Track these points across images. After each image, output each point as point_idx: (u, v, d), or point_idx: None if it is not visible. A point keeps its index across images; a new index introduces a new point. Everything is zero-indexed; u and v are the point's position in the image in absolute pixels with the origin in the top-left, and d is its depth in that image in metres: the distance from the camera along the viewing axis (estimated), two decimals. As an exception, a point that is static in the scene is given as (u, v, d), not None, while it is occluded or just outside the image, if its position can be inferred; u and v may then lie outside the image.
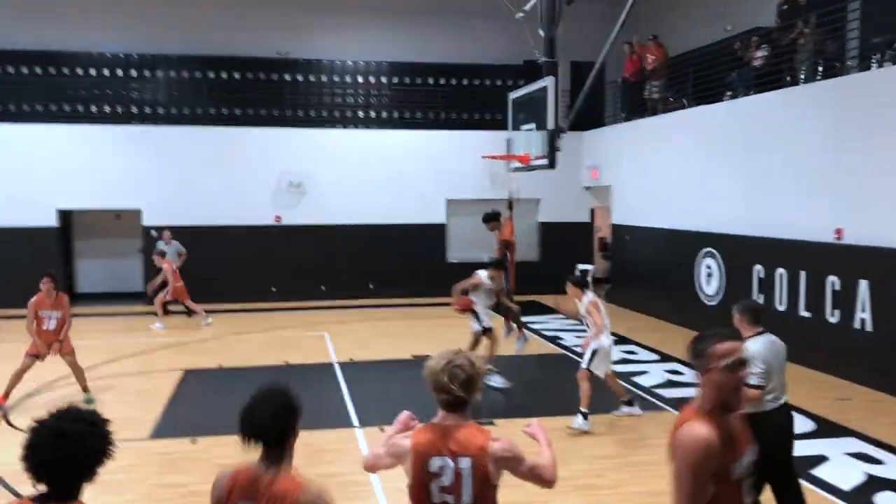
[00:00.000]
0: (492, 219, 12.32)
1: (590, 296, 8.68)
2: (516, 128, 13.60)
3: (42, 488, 2.51)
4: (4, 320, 14.86)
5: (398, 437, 3.33)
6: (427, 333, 13.93)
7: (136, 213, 17.76)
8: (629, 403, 8.88)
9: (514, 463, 3.21)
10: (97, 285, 18.74)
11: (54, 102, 18.07)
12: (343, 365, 11.60)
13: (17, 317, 14.58)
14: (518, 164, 13.41)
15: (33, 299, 9.79)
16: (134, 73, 18.71)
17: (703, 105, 14.44)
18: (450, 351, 3.27)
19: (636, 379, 10.66)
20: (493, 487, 3.20)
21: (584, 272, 16.96)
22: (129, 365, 11.78)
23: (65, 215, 17.85)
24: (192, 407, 9.58)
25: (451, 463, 3.14)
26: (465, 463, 3.13)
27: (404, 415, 3.57)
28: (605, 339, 8.48)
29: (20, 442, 2.53)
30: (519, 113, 13.56)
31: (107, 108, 18.37)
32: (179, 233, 16.74)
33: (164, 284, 15.28)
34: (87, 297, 18.38)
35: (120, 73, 18.59)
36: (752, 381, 5.02)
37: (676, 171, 15.11)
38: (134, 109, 18.63)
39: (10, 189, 16.80)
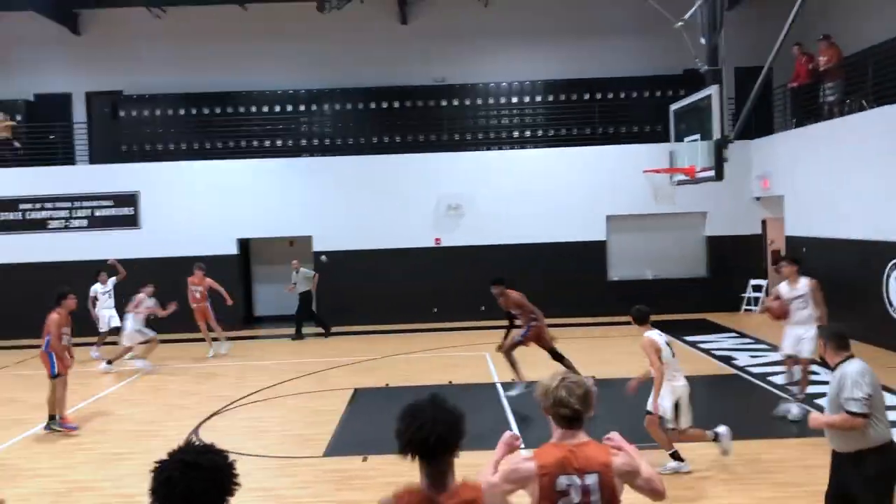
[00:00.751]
0: (499, 283, 10.94)
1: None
2: (679, 139, 13.16)
3: None
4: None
5: (518, 462, 3.29)
6: (588, 353, 13.65)
7: (307, 240, 18.72)
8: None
9: (633, 476, 3.25)
10: (272, 308, 19.86)
11: (233, 139, 19.48)
12: (506, 385, 11.59)
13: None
14: (682, 177, 12.94)
15: (55, 318, 9.73)
16: (303, 107, 19.86)
17: (887, 105, 13.32)
18: (559, 371, 3.38)
19: (822, 401, 9.91)
20: (619, 502, 3.24)
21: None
22: (302, 384, 12.34)
23: (243, 243, 19.10)
24: (362, 425, 9.88)
25: (578, 480, 3.18)
26: (591, 479, 3.18)
27: (508, 435, 3.53)
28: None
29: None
30: (681, 124, 13.12)
31: (279, 143, 19.58)
32: (347, 256, 17.48)
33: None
34: (263, 319, 19.55)
35: (290, 108, 19.79)
36: (855, 408, 4.73)
37: (858, 177, 13.99)
38: (304, 142, 19.75)
39: (197, 220, 18.21)
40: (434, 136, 19.45)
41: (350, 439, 9.16)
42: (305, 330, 17.27)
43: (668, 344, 7.47)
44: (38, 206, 18.26)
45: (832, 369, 5.02)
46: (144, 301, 14.13)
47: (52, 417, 9.84)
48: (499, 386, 11.66)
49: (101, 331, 15.37)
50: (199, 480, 2.52)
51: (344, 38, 19.67)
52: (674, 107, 13.49)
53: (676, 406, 7.31)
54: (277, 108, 19.81)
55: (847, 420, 4.76)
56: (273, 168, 18.65)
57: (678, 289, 18.06)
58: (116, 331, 14.95)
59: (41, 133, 19.30)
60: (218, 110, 19.70)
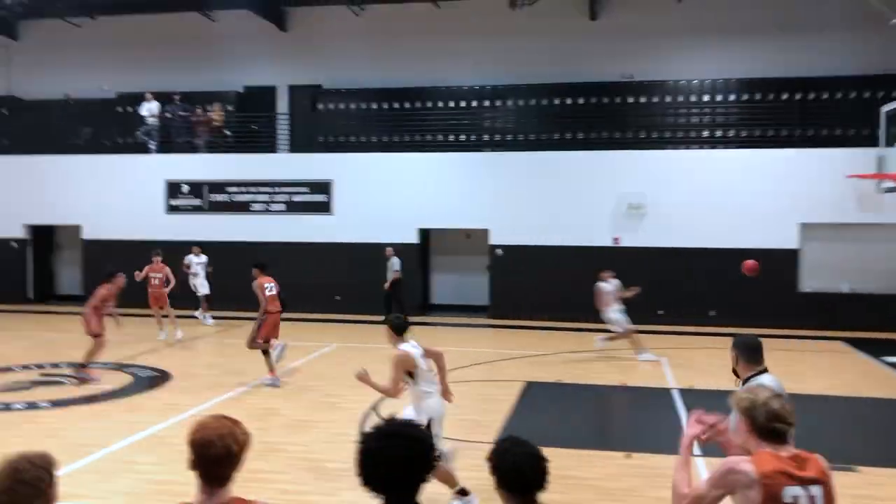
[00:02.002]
0: None
1: None
2: (889, 144, 12.16)
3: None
4: (366, 324, 16.78)
5: (736, 463, 3.14)
6: (772, 367, 12.92)
7: (484, 233, 19.05)
8: None
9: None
10: (448, 297, 20.41)
11: (419, 133, 20.18)
12: (683, 392, 11.25)
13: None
14: (892, 184, 11.95)
15: (103, 291, 11.82)
16: (487, 103, 20.21)
17: None
18: (759, 384, 3.29)
19: None
20: None
21: None
22: (474, 372, 12.61)
23: (424, 233, 19.75)
24: (535, 417, 9.97)
25: (804, 492, 3.06)
26: (816, 491, 3.07)
27: (696, 414, 3.52)
28: None
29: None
30: (893, 127, 12.11)
31: (462, 137, 20.05)
32: (522, 251, 17.67)
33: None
34: (440, 308, 20.13)
35: (475, 103, 20.21)
36: None
37: None
38: (486, 137, 20.10)
39: (383, 208, 19.05)
40: (618, 134, 19.13)
41: (522, 429, 9.26)
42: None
43: (422, 357, 6.92)
44: (243, 189, 19.83)
45: (743, 383, 4.48)
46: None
47: (81, 365, 11.65)
48: (674, 392, 11.33)
49: (199, 295, 17.78)
50: (401, 449, 2.65)
51: (532, 34, 19.80)
52: (886, 109, 12.48)
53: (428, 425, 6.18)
54: (463, 104, 20.29)
55: None
56: (455, 161, 19.14)
57: (879, 305, 16.69)
58: (205, 297, 17.85)
59: (248, 123, 20.94)
60: (408, 105, 20.50)
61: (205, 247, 18.76)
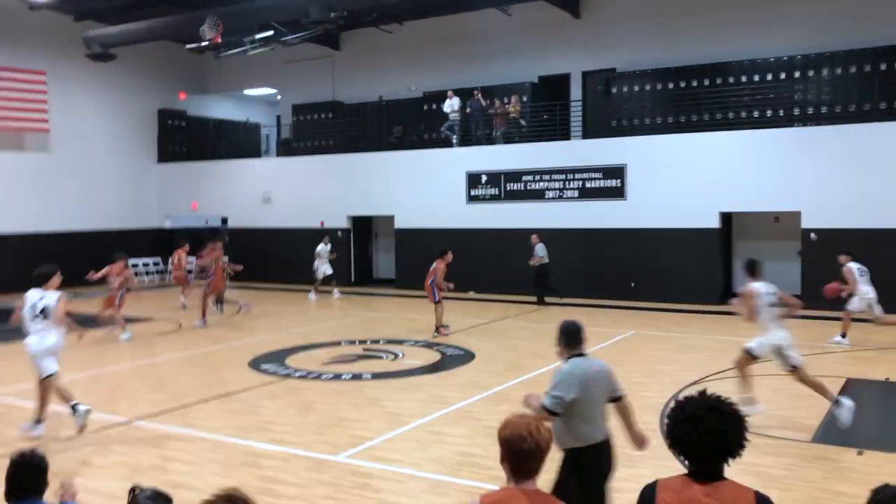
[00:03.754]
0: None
1: None
2: None
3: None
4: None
5: None
6: None
7: (794, 216, 17.54)
8: None
9: None
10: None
11: (720, 111, 19.11)
12: None
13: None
14: None
15: (442, 266, 14.53)
16: (797, 74, 18.54)
17: None
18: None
19: None
20: None
21: None
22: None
23: (726, 218, 18.67)
24: (857, 417, 8.99)
25: None
26: None
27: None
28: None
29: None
30: None
31: (769, 113, 18.61)
32: (840, 235, 15.92)
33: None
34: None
35: (783, 76, 18.64)
36: (545, 402, 4.76)
37: None
38: (796, 111, 18.46)
39: (679, 192, 18.35)
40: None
41: (841, 429, 8.42)
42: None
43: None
44: (537, 177, 20.28)
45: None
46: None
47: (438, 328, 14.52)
48: None
49: (317, 278, 20.48)
50: (719, 422, 2.70)
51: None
52: None
53: None
54: (769, 77, 18.82)
55: (541, 410, 4.75)
56: (761, 139, 17.80)
57: None
58: (328, 279, 20.64)
59: (543, 112, 21.35)
60: (707, 82, 19.49)
61: (502, 234, 19.64)
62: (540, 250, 18.48)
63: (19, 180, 22.26)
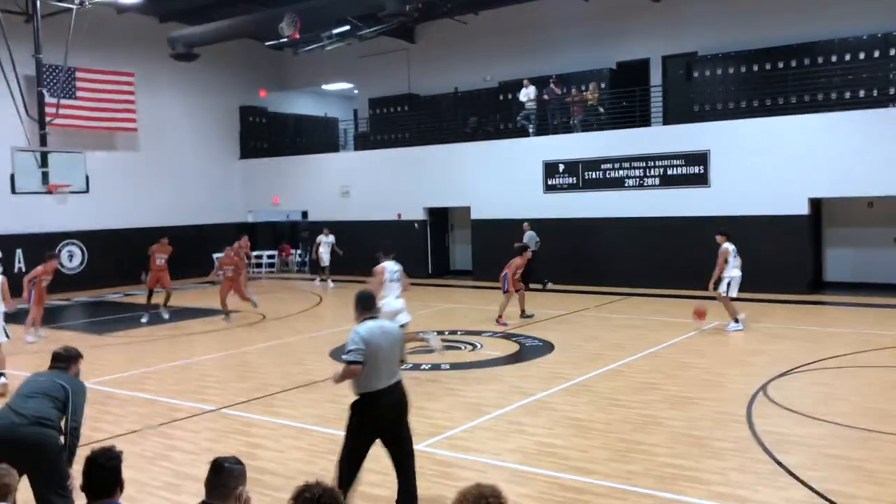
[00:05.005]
0: None
1: None
2: None
3: None
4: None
5: None
6: None
7: (890, 201, 16.72)
8: None
9: None
10: (845, 274, 18.35)
11: (808, 93, 18.36)
12: None
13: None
14: None
15: (519, 261, 15.04)
16: (893, 51, 17.64)
17: None
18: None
19: None
20: None
21: None
22: (881, 357, 11.16)
23: (815, 203, 17.96)
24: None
25: None
26: None
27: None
28: None
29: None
30: None
31: (861, 93, 17.78)
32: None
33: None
34: (834, 286, 18.19)
35: (876, 53, 17.78)
36: (351, 357, 5.52)
37: None
38: (891, 90, 17.58)
39: (765, 178, 17.72)
40: None
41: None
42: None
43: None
44: (616, 165, 19.92)
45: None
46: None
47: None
48: None
49: (322, 266, 22.21)
50: None
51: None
52: None
53: None
54: (862, 56, 17.98)
55: (345, 368, 5.54)
56: (853, 121, 16.99)
57: None
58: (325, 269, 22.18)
59: (621, 98, 20.94)
60: (794, 63, 18.76)
61: (580, 223, 19.40)
62: (528, 238, 18.81)
63: (111, 178, 23.17)
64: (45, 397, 5.20)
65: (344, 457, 5.69)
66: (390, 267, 10.95)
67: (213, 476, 3.54)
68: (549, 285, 19.48)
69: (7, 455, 4.44)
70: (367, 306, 5.89)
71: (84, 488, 3.74)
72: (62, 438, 5.19)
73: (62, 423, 5.22)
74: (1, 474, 3.91)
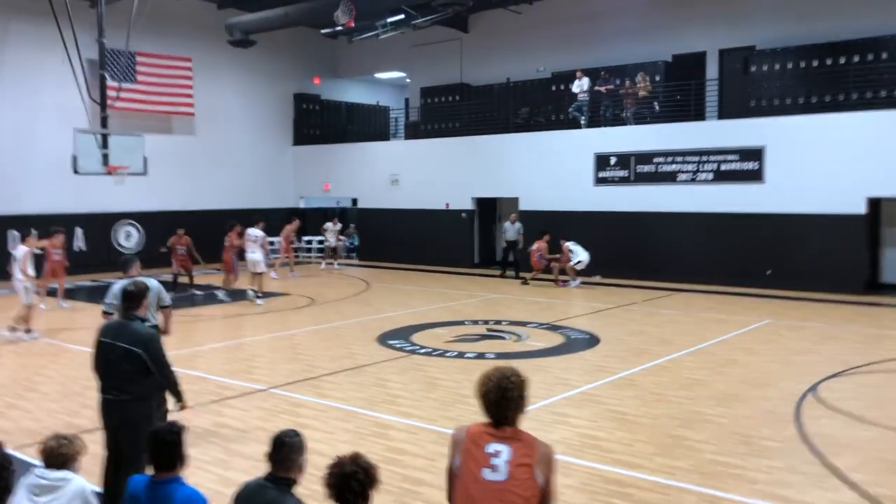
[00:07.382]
0: None
1: None
2: None
3: None
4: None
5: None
6: None
7: (953, 202, 16.23)
8: None
9: None
10: (904, 276, 17.90)
11: (870, 89, 17.87)
12: None
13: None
14: None
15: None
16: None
17: None
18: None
19: None
20: None
21: None
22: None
23: (873, 203, 17.50)
24: None
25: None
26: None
27: None
28: None
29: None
30: None
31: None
32: None
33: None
34: (891, 287, 17.74)
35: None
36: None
37: None
38: (958, 88, 17.02)
39: (822, 176, 17.31)
40: None
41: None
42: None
43: None
44: (669, 159, 19.67)
45: None
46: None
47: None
48: None
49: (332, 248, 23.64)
50: None
51: None
52: None
53: None
54: (927, 51, 17.43)
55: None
56: (916, 119, 16.51)
57: None
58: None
59: (676, 91, 20.65)
60: (856, 58, 18.26)
61: (630, 217, 19.28)
62: (510, 229, 20.61)
63: (168, 161, 23.65)
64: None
65: None
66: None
67: (275, 451, 3.66)
68: (598, 279, 19.38)
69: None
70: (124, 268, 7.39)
71: (153, 464, 3.87)
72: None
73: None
74: (61, 443, 4.06)
